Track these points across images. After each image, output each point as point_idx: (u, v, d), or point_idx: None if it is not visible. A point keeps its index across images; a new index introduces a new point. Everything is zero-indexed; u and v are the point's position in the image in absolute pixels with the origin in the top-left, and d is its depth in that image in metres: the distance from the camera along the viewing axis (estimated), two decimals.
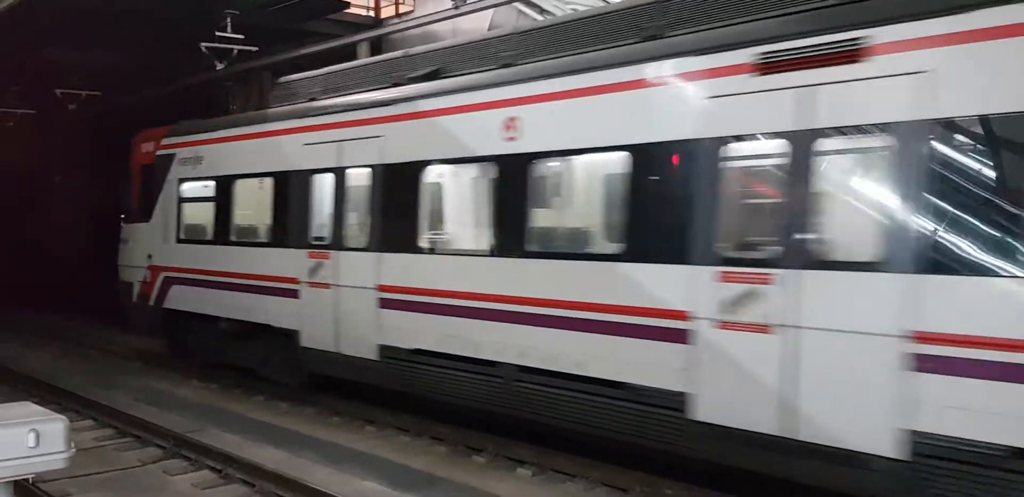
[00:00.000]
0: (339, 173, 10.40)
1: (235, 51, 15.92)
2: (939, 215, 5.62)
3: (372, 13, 18.82)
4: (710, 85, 6.86)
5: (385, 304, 9.63)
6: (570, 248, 8.25)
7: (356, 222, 10.29)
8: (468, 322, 8.70)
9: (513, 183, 8.30)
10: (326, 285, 10.42)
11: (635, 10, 8.06)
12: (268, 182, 11.52)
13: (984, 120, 5.45)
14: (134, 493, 7.98)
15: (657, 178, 7.26)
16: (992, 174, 5.47)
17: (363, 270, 9.90)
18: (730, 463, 6.91)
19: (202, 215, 13.03)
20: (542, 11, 15.38)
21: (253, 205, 11.95)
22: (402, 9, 18.61)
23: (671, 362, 7.00)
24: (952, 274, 5.52)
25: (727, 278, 6.66)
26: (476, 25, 15.29)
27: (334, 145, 10.46)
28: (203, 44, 15.59)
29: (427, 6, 16.80)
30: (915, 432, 5.65)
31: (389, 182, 9.72)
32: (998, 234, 5.42)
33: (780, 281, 6.34)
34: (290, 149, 11.15)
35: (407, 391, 9.76)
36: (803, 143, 6.27)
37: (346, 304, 10.13)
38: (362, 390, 10.74)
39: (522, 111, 8.30)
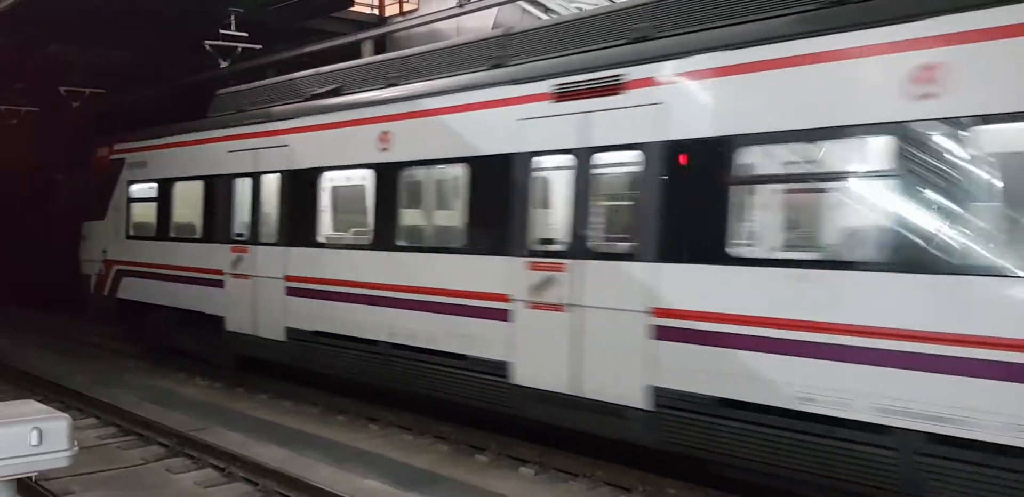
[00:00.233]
0: (256, 177, 11.95)
1: (239, 49, 15.90)
2: (671, 215, 7.17)
3: (376, 11, 18.80)
4: (522, 109, 8.36)
5: (291, 292, 11.11)
6: (428, 243, 9.64)
7: (269, 220, 11.73)
8: (355, 307, 10.14)
9: (386, 187, 9.83)
10: (246, 276, 11.96)
11: (484, 42, 9.65)
12: (200, 185, 13.10)
13: (696, 141, 6.98)
14: (137, 491, 7.98)
15: (485, 186, 8.72)
16: (703, 184, 6.96)
17: (274, 262, 11.44)
18: (540, 419, 8.29)
19: (147, 214, 14.59)
20: (547, 10, 15.37)
21: (188, 205, 13.44)
22: (406, 7, 18.58)
23: (497, 336, 8.46)
24: (678, 262, 7.07)
25: (534, 267, 8.16)
26: (480, 23, 15.27)
27: (251, 152, 12.00)
28: (207, 42, 15.57)
29: (431, 4, 16.78)
30: (656, 388, 7.17)
31: (294, 186, 11.23)
32: (709, 231, 6.85)
33: (570, 269, 7.85)
34: (217, 155, 12.71)
35: (309, 368, 11.17)
36: (584, 157, 7.83)
37: (261, 292, 11.63)
38: (363, 390, 10.74)
39: (393, 126, 9.83)
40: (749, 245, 6.83)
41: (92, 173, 16.46)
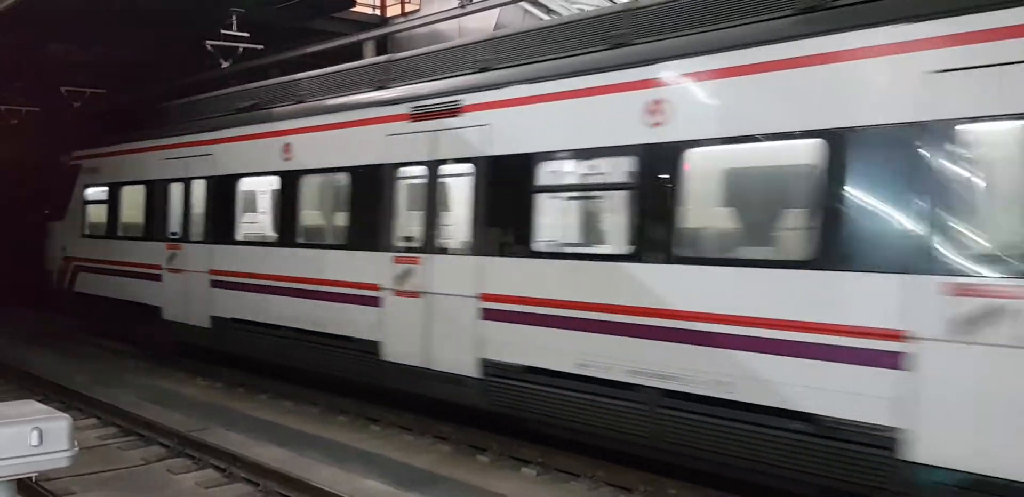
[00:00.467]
0: (186, 182, 13.49)
1: (240, 49, 15.91)
2: (493, 218, 8.73)
3: (378, 12, 18.82)
4: (390, 127, 9.91)
5: (214, 284, 12.64)
6: (320, 240, 11.14)
7: (197, 221, 13.24)
8: (264, 296, 11.65)
9: (288, 192, 11.38)
10: (179, 270, 13.49)
11: (371, 67, 11.14)
12: (142, 189, 14.67)
13: (510, 157, 8.54)
14: (137, 492, 7.97)
15: (362, 192, 10.22)
16: (515, 192, 8.44)
17: (201, 258, 12.95)
18: (407, 389, 9.73)
19: (100, 214, 16.23)
20: (548, 11, 15.39)
21: (133, 207, 15.05)
22: (408, 8, 18.61)
23: (371, 320, 9.96)
24: (499, 256, 8.60)
25: (397, 261, 9.68)
26: (482, 24, 15.28)
27: (183, 160, 13.60)
28: (208, 42, 15.58)
29: (433, 5, 16.81)
30: (484, 359, 8.67)
31: (217, 190, 12.73)
32: (519, 230, 8.41)
33: (423, 262, 9.39)
34: (156, 162, 14.32)
35: (232, 352, 12.66)
36: (433, 168, 9.42)
37: (191, 285, 13.11)
38: (365, 389, 10.74)
39: (294, 139, 11.34)
40: (547, 241, 8.40)
41: (55, 177, 18.20)
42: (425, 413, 10.14)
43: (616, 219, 7.91)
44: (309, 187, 11.34)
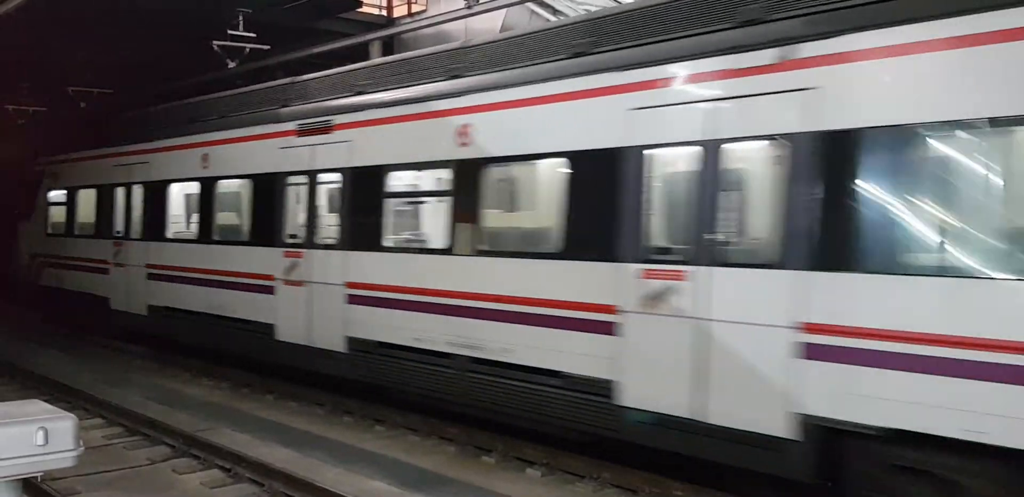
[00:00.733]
0: (128, 187, 15.35)
1: (247, 50, 15.92)
2: (356, 218, 10.46)
3: (384, 12, 18.82)
4: (282, 141, 11.67)
5: (150, 276, 14.48)
6: (232, 237, 12.75)
7: (136, 220, 15.18)
8: (189, 287, 13.36)
9: (206, 196, 13.18)
10: (123, 265, 15.39)
11: (276, 87, 12.72)
12: (93, 192, 16.60)
13: (367, 168, 10.29)
14: (142, 492, 7.97)
15: (262, 195, 12.03)
16: (371, 197, 10.19)
17: (139, 254, 14.84)
18: (293, 365, 11.47)
19: (59, 215, 18.20)
20: (555, 11, 15.37)
21: (86, 208, 16.96)
22: (414, 8, 18.61)
23: (267, 306, 11.66)
24: (360, 251, 10.34)
25: (286, 255, 11.44)
26: (489, 25, 15.27)
27: (127, 167, 15.44)
28: (215, 42, 15.59)
29: (439, 6, 16.81)
30: (348, 337, 10.38)
31: (153, 193, 14.62)
32: (374, 229, 10.15)
33: (305, 256, 11.13)
34: (105, 169, 16.19)
35: (166, 337, 14.42)
36: (312, 176, 11.17)
37: (132, 277, 15.03)
38: (366, 390, 10.75)
39: (210, 150, 13.16)
40: (392, 238, 10.17)
41: (24, 180, 20.01)
42: (430, 414, 10.13)
43: (439, 219, 9.61)
44: (221, 192, 13.07)
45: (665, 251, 7.35)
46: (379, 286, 10.03)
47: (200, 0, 14.94)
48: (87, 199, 16.93)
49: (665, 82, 7.37)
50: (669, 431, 7.18)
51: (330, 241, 10.87)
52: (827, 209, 6.24)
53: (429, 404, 9.92)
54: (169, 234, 14.24)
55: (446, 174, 9.38)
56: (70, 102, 21.56)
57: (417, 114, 9.79)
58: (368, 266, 10.22)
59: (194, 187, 13.55)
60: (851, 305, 6.08)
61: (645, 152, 7.45)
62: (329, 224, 11.04)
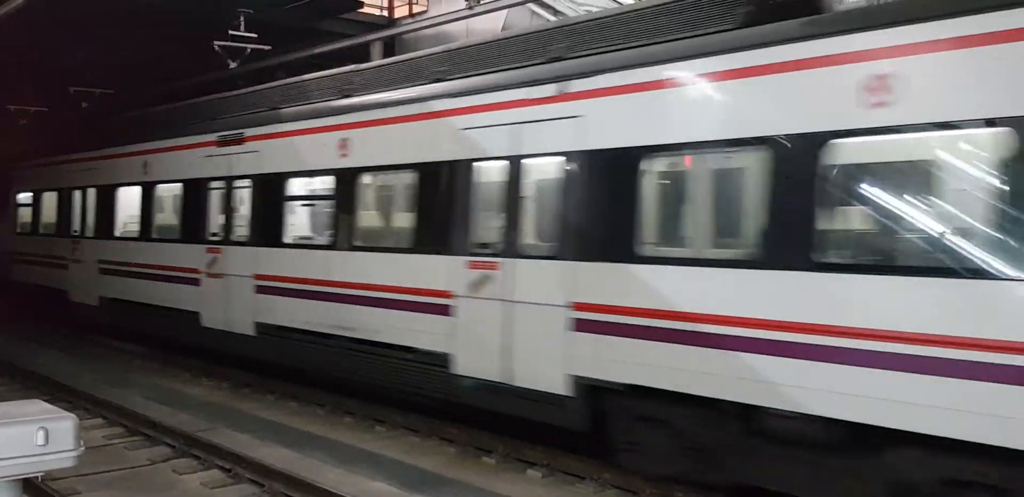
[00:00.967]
0: (84, 190, 17.12)
1: (248, 50, 15.92)
2: (264, 218, 11.97)
3: (385, 13, 18.82)
4: (205, 150, 13.24)
5: (101, 271, 16.10)
6: (165, 236, 14.44)
7: (89, 221, 16.82)
8: (130, 280, 15.08)
9: (147, 198, 14.89)
10: (79, 261, 17.02)
11: (207, 103, 14.45)
12: (55, 194, 18.47)
13: (272, 174, 11.79)
14: (143, 492, 7.97)
15: (188, 198, 13.66)
16: (275, 200, 11.71)
17: (92, 251, 16.56)
18: (216, 347, 13.05)
19: (27, 215, 20.21)
20: (556, 12, 15.36)
21: (49, 209, 18.83)
22: (415, 9, 18.61)
23: (192, 296, 13.25)
24: (265, 247, 11.84)
25: (208, 251, 12.97)
26: (490, 26, 15.27)
27: (82, 172, 17.16)
28: (216, 43, 15.59)
29: (440, 6, 16.80)
30: (257, 322, 11.85)
31: (103, 196, 16.40)
32: (275, 228, 11.70)
33: (224, 252, 12.65)
34: (66, 173, 17.92)
35: (115, 325, 16.08)
36: (229, 182, 12.70)
37: (87, 272, 16.58)
38: (367, 390, 10.76)
39: (149, 158, 14.90)
40: (291, 235, 11.65)
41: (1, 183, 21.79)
42: (431, 415, 10.13)
43: (325, 220, 11.08)
44: (159, 195, 14.79)
45: (485, 246, 8.83)
46: (279, 278, 11.54)
47: (201, 0, 14.93)
48: (50, 201, 18.80)
49: (484, 107, 8.91)
50: (489, 394, 8.68)
51: (242, 238, 12.42)
52: (587, 212, 7.87)
53: (428, 405, 10.07)
54: (117, 233, 15.91)
55: (330, 181, 10.87)
56: (71, 102, 21.53)
57: (309, 128, 11.31)
58: (271, 260, 11.75)
59: (136, 191, 15.19)
60: (604, 287, 7.66)
61: (473, 165, 8.97)
62: (242, 224, 12.53)
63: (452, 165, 9.15)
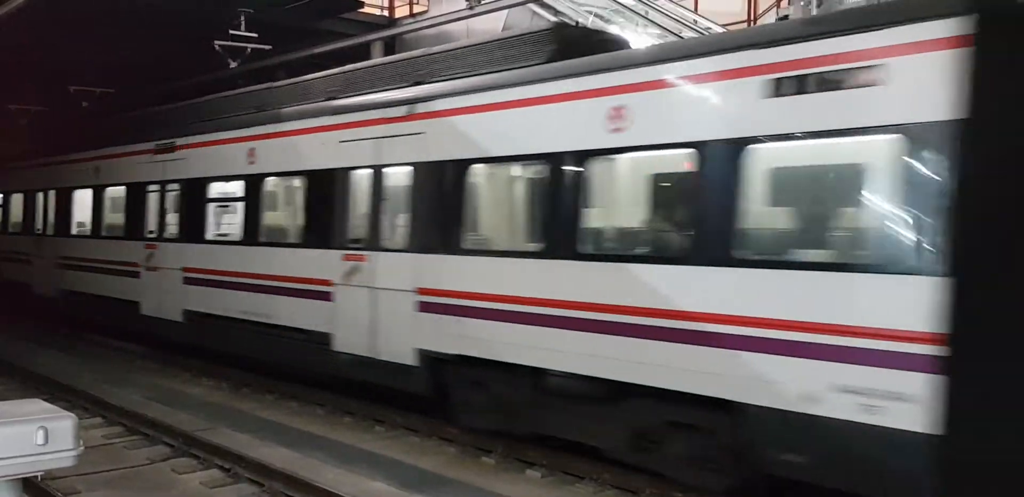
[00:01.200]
0: (45, 192, 18.91)
1: (249, 50, 15.91)
2: (191, 217, 13.58)
3: (386, 13, 18.81)
4: (146, 157, 14.91)
5: (59, 266, 17.77)
6: (115, 233, 15.98)
7: (47, 220, 18.65)
8: (81, 274, 16.82)
9: (98, 200, 16.57)
10: (41, 258, 18.71)
11: (150, 117, 16.34)
12: (22, 196, 20.35)
13: (193, 179, 13.55)
14: (142, 491, 7.97)
15: (131, 200, 15.33)
16: (197, 202, 13.44)
17: (50, 248, 18.27)
18: (154, 333, 14.73)
19: None
20: (556, 12, 15.35)
21: (17, 209, 20.77)
22: (416, 9, 18.60)
23: (135, 287, 14.86)
24: (193, 243, 13.43)
25: (147, 247, 14.61)
26: (491, 26, 15.25)
27: (42, 176, 19.13)
28: (216, 42, 15.58)
29: (441, 6, 16.77)
30: (185, 310, 13.42)
31: (58, 198, 18.24)
32: (196, 227, 13.43)
33: (159, 248, 14.36)
34: (32, 176, 19.80)
35: (70, 315, 17.82)
36: (163, 186, 14.34)
37: (47, 267, 18.40)
38: (366, 390, 10.75)
39: (100, 163, 16.57)
40: (211, 233, 13.16)
41: None
42: (431, 415, 10.13)
43: (238, 218, 12.50)
44: (108, 197, 16.36)
45: (356, 241, 10.37)
46: (203, 270, 13.06)
47: (201, 0, 14.92)
48: (16, 202, 20.81)
49: (356, 124, 10.44)
50: (361, 367, 10.21)
51: (173, 236, 14.09)
52: (427, 213, 9.49)
53: (425, 403, 10.09)
54: (73, 231, 17.57)
55: (241, 185, 12.40)
56: (71, 102, 21.51)
57: (225, 139, 12.87)
58: (196, 255, 13.31)
59: (89, 193, 16.84)
60: (439, 275, 9.21)
61: (347, 172, 10.53)
62: (172, 223, 14.19)
63: (332, 173, 10.74)
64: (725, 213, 6.75)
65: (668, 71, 7.33)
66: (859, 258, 6.24)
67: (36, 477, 5.47)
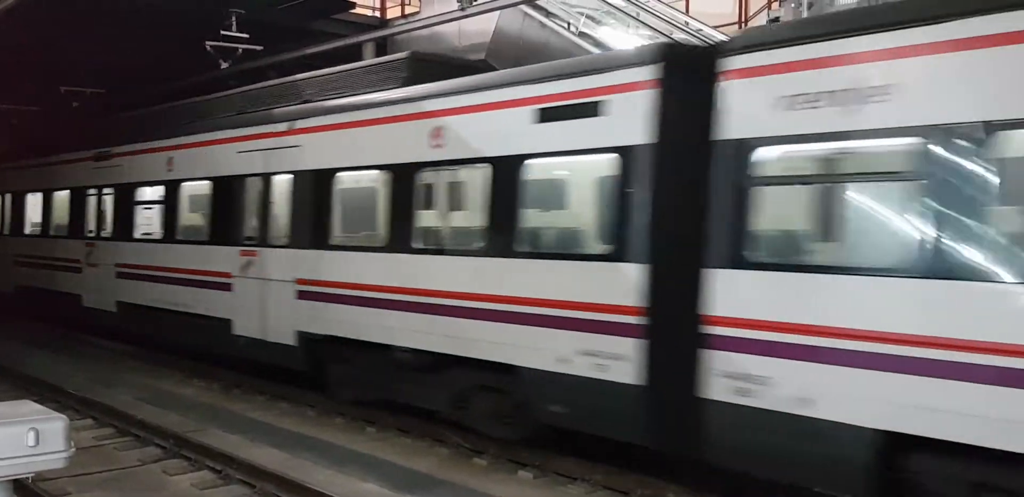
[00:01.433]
0: (2, 195, 20.71)
1: (240, 50, 15.87)
2: (119, 219, 15.49)
3: (377, 14, 18.78)
4: (89, 164, 16.51)
5: (16, 263, 19.45)
6: (60, 233, 17.63)
7: (7, 222, 20.48)
8: (34, 270, 18.41)
9: (47, 202, 18.33)
10: (4, 255, 20.21)
11: (92, 125, 18.51)
12: None
13: (124, 184, 15.29)
14: (133, 493, 7.96)
15: (77, 203, 16.93)
16: (127, 204, 15.18)
17: (10, 247, 19.91)
18: (95, 324, 16.45)
19: None
20: (548, 14, 15.35)
21: None
22: (408, 10, 18.57)
23: (77, 281, 16.59)
24: (123, 241, 15.20)
25: (87, 245, 16.31)
26: (482, 27, 15.25)
27: (8, 179, 20.59)
28: (208, 43, 15.55)
29: (433, 7, 16.75)
30: (119, 302, 15.11)
31: (14, 201, 20.05)
32: (127, 226, 15.14)
33: (97, 245, 16.09)
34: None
35: (24, 307, 19.31)
36: (100, 190, 16.07)
37: (6, 265, 19.95)
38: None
39: (55, 168, 18.05)
40: (139, 232, 14.78)
41: None
42: (423, 416, 10.13)
43: (160, 219, 14.17)
44: (55, 199, 18.02)
45: (250, 239, 12.04)
46: (132, 265, 14.77)
47: (194, 0, 14.89)
48: None
49: (252, 137, 12.06)
50: (255, 348, 11.76)
51: (109, 235, 15.76)
52: (303, 214, 11.10)
53: (420, 407, 10.12)
54: (26, 231, 19.41)
55: (162, 190, 14.09)
56: (63, 102, 21.44)
57: (152, 148, 14.56)
58: (127, 252, 14.99)
59: (39, 196, 18.68)
60: (313, 267, 10.83)
61: (245, 179, 12.14)
62: (107, 223, 15.91)
63: (231, 179, 12.44)
64: (509, 215, 8.40)
65: (470, 100, 9.03)
66: (590, 249, 8.27)
67: (27, 479, 5.45)
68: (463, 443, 9.39)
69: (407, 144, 9.60)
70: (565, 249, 8.51)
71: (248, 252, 11.94)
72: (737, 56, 6.90)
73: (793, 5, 9.92)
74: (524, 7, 14.53)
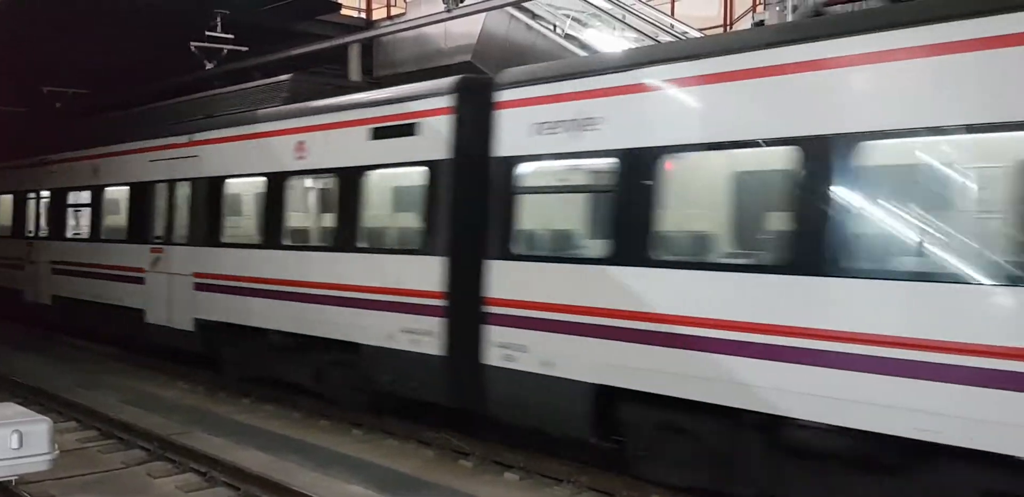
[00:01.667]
0: None
1: (225, 51, 15.83)
2: (56, 221, 17.40)
3: (363, 15, 18.77)
4: (29, 170, 18.33)
5: None
6: (4, 234, 19.50)
7: None
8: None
9: (17, 205, 19.31)
10: None
11: (40, 134, 19.93)
12: None
13: (60, 188, 17.19)
14: (117, 495, 7.92)
15: (20, 206, 18.89)
16: (62, 206, 17.14)
17: None
18: (35, 317, 18.15)
19: None
20: (534, 16, 15.37)
21: None
22: (393, 11, 18.57)
23: (19, 277, 18.25)
24: (55, 240, 17.27)
25: (27, 245, 18.06)
26: (468, 28, 15.25)
27: None
28: (193, 44, 15.50)
29: (419, 9, 16.75)
30: (54, 295, 16.98)
31: None
32: (60, 227, 17.23)
33: (34, 245, 17.97)
34: None
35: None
36: (37, 194, 18.33)
37: None
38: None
39: (24, 171, 19.11)
40: (69, 232, 16.49)
41: None
42: (409, 418, 10.12)
43: (88, 221, 15.83)
44: (32, 202, 18.88)
45: (158, 237, 13.68)
46: (63, 262, 16.54)
47: (179, 0, 14.85)
48: None
49: (160, 147, 13.80)
50: (162, 333, 13.40)
51: (44, 234, 17.63)
52: (200, 215, 12.73)
53: (410, 408, 10.18)
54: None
55: (90, 194, 15.81)
56: (45, 103, 21.33)
57: (81, 156, 16.30)
58: (59, 250, 16.79)
59: (8, 199, 19.88)
60: (207, 262, 12.46)
61: (155, 185, 13.82)
62: (44, 225, 17.79)
63: (143, 184, 14.14)
64: (352, 216, 10.09)
65: (324, 119, 10.72)
66: (409, 245, 9.71)
67: (10, 482, 5.43)
68: (458, 443, 9.40)
69: (278, 155, 11.30)
70: (392, 245, 10.09)
71: (157, 249, 13.69)
72: (506, 90, 8.64)
73: (778, 8, 9.96)
74: (510, 9, 14.55)
